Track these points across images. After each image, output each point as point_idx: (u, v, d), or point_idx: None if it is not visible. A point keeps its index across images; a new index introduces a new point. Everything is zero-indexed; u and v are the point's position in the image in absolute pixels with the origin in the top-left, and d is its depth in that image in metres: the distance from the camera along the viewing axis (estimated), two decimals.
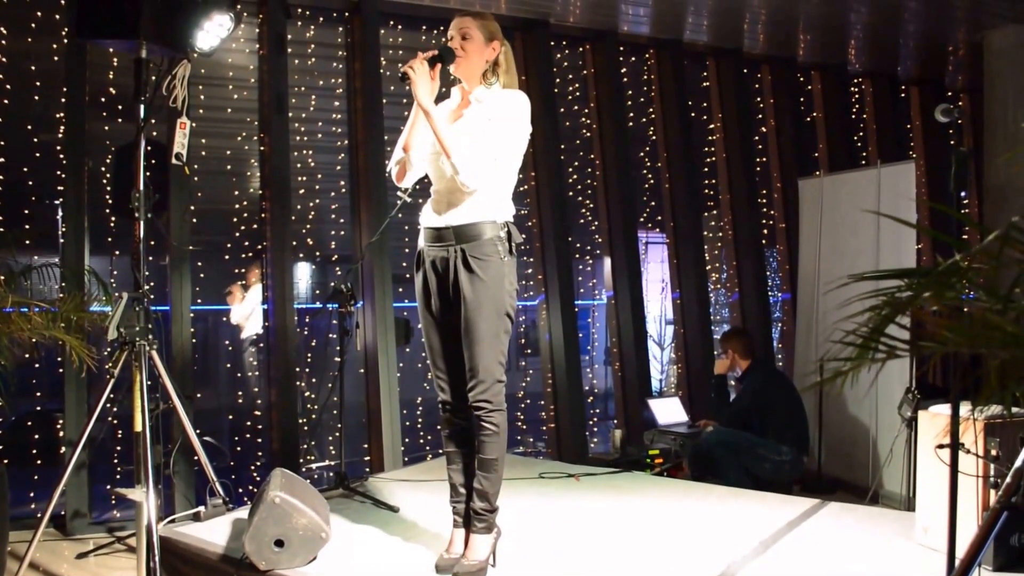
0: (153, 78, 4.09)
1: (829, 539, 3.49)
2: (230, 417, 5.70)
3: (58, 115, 5.03)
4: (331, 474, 5.28)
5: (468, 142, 2.87)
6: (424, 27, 6.14)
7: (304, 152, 5.82)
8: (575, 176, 6.78)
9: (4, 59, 4.97)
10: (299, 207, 5.75)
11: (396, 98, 6.00)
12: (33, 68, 5.05)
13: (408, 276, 5.61)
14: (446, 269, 2.98)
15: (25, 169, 5.02)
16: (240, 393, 5.78)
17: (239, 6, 4.35)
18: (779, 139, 7.69)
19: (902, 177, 5.62)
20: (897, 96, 8.47)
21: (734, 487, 4.55)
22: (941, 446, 2.76)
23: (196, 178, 5.35)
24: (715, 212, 7.48)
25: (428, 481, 4.52)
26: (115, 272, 5.18)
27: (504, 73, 3.07)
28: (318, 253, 5.96)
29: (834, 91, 7.94)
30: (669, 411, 6.15)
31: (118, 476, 5.03)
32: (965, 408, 2.64)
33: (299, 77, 5.81)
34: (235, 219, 5.61)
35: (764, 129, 7.70)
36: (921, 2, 6.40)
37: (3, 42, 4.98)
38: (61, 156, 5.01)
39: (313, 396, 5.66)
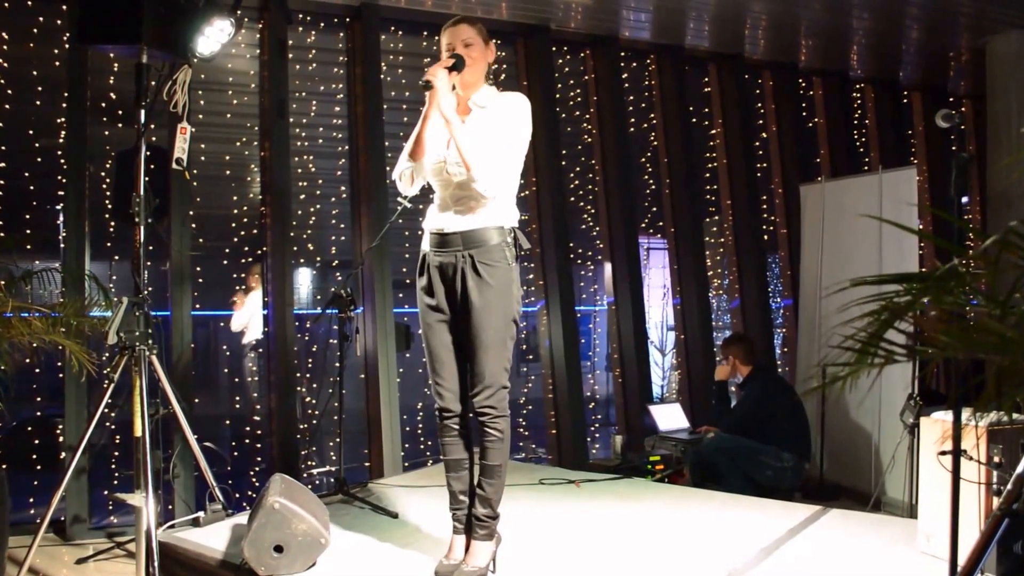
0: (154, 83, 4.09)
1: (831, 546, 3.47)
2: (229, 422, 5.69)
3: (59, 120, 5.04)
4: (331, 480, 5.26)
5: (486, 151, 2.88)
6: (425, 33, 6.14)
7: (305, 157, 5.82)
8: (576, 181, 6.78)
9: (6, 64, 4.98)
10: (299, 212, 5.75)
11: (397, 104, 6.00)
12: (34, 73, 5.05)
13: (408, 281, 5.61)
14: (453, 275, 2.98)
15: (26, 174, 5.03)
16: (240, 399, 5.77)
17: (240, 11, 4.35)
18: (780, 145, 7.68)
19: (904, 183, 5.61)
20: (899, 102, 8.46)
21: (735, 494, 4.53)
22: (943, 452, 2.74)
23: (196, 183, 5.35)
24: (716, 218, 7.47)
25: (428, 487, 4.51)
26: (114, 277, 5.18)
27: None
28: (318, 258, 5.96)
29: (836, 97, 7.93)
30: (670, 417, 6.14)
31: (116, 481, 5.01)
32: (967, 414, 2.63)
33: (300, 82, 5.81)
34: (235, 224, 5.61)
35: (765, 135, 7.69)
36: (923, 8, 6.40)
37: (5, 47, 4.98)
38: (62, 161, 5.01)
39: (313, 402, 5.65)
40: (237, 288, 5.78)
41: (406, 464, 5.65)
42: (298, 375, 5.59)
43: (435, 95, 2.89)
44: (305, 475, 5.51)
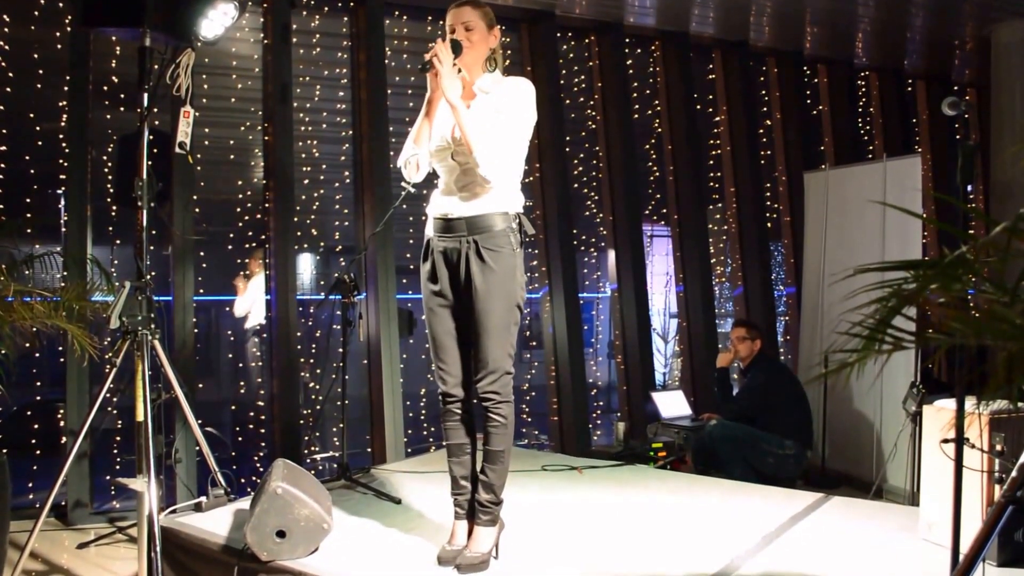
0: (157, 67, 4.06)
1: (832, 534, 3.47)
2: (232, 408, 5.70)
3: (61, 103, 5.02)
4: (333, 465, 5.27)
5: (490, 137, 2.86)
6: (429, 18, 6.11)
7: (308, 142, 5.81)
8: (580, 168, 6.76)
9: (7, 47, 4.96)
10: (303, 197, 5.74)
11: (401, 89, 5.98)
12: (36, 56, 5.03)
13: (412, 267, 5.61)
14: (457, 260, 2.97)
15: (28, 157, 5.01)
16: (243, 384, 5.78)
17: None
18: (785, 132, 7.66)
19: (908, 171, 5.59)
20: (903, 90, 8.43)
21: (737, 481, 4.54)
22: (946, 440, 2.74)
23: (199, 168, 5.34)
24: (720, 205, 7.46)
25: (431, 473, 4.51)
26: (116, 261, 5.17)
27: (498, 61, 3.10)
28: (321, 244, 5.95)
29: (840, 84, 7.91)
30: (673, 404, 6.14)
31: (118, 466, 5.02)
32: (970, 402, 2.62)
33: (303, 67, 5.79)
34: (238, 209, 5.60)
35: (769, 122, 7.67)
36: None
37: (6, 30, 4.96)
38: (64, 145, 5.00)
39: (316, 387, 5.65)
40: (242, 273, 5.77)
41: (409, 450, 5.67)
42: (301, 360, 5.59)
43: (439, 78, 2.86)
44: (308, 460, 5.52)
